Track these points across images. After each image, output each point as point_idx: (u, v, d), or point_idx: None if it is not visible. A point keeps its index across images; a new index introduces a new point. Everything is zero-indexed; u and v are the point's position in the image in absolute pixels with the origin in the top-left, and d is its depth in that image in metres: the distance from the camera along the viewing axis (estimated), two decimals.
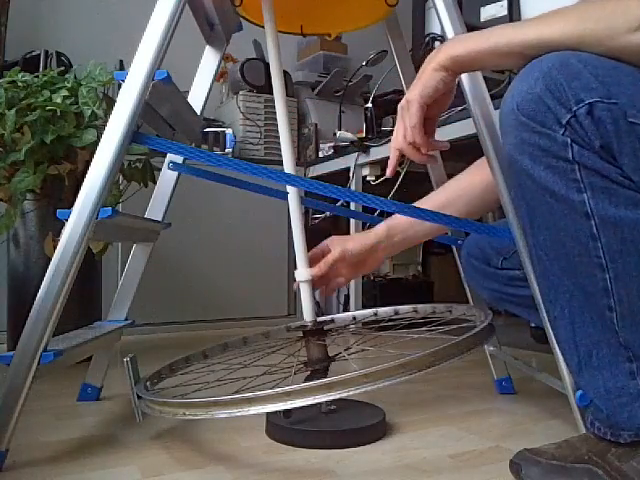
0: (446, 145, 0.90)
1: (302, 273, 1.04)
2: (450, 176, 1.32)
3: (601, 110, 0.65)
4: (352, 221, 2.32)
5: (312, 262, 1.06)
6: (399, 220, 1.12)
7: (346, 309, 2.52)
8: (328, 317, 1.33)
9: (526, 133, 0.69)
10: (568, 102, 0.66)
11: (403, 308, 1.31)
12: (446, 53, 0.78)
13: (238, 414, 0.81)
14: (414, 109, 0.82)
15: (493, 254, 1.10)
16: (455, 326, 1.07)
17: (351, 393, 0.80)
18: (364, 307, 2.30)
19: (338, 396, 0.80)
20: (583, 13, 0.69)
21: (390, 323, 1.29)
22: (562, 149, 0.67)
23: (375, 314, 1.33)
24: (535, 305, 1.06)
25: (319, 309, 2.45)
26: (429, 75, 0.80)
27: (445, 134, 1.60)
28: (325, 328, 1.07)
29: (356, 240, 1.11)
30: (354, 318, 1.36)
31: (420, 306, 1.29)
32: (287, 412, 1.01)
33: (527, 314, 1.11)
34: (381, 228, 1.13)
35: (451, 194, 1.14)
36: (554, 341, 0.86)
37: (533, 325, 1.95)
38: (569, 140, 0.67)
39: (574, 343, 0.74)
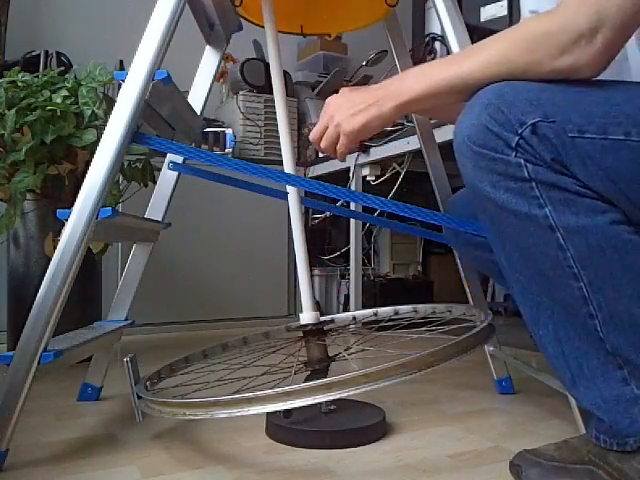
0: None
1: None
2: (450, 176, 1.32)
3: (544, 128, 0.69)
4: (352, 221, 2.32)
5: None
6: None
7: (346, 309, 2.52)
8: (328, 317, 1.33)
9: (482, 161, 0.72)
10: (512, 126, 0.69)
11: (403, 308, 1.31)
12: (392, 103, 0.82)
13: (238, 414, 0.81)
14: (346, 141, 0.88)
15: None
16: (455, 326, 1.07)
17: (350, 393, 0.80)
18: (364, 307, 2.30)
19: (338, 396, 0.80)
20: (510, 47, 0.74)
21: (390, 323, 1.29)
22: (517, 170, 0.70)
23: (375, 314, 1.33)
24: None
25: (319, 309, 2.45)
26: (371, 118, 0.84)
27: (446, 134, 1.60)
28: (325, 328, 1.07)
29: None
30: (354, 318, 1.36)
31: (420, 306, 1.29)
32: (287, 412, 1.01)
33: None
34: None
35: None
36: None
37: None
38: (522, 160, 0.70)
39: (564, 358, 0.74)
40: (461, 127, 0.74)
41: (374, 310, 1.34)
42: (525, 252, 0.73)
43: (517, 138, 0.69)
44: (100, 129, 1.44)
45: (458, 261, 1.29)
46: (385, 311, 1.33)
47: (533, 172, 0.70)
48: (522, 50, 0.72)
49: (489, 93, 0.72)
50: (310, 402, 0.80)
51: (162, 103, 1.05)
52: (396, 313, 1.31)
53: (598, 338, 0.71)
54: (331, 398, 0.80)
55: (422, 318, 1.26)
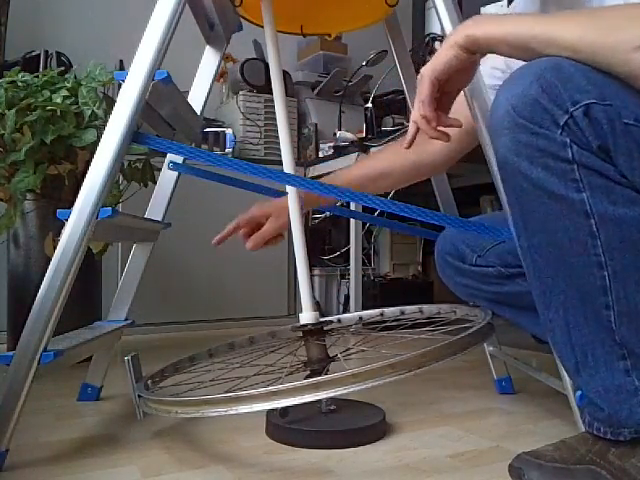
0: (457, 123, 0.87)
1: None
2: (450, 176, 1.33)
3: (597, 111, 0.66)
4: (352, 221, 2.32)
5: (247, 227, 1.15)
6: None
7: (346, 309, 2.52)
8: (335, 317, 1.33)
9: (523, 135, 0.69)
10: (564, 103, 0.67)
11: (409, 308, 1.31)
12: (462, 32, 0.77)
13: (226, 413, 0.82)
14: (424, 83, 0.81)
15: (467, 251, 1.11)
16: (457, 326, 1.07)
17: (338, 393, 0.80)
18: (364, 307, 2.30)
19: (325, 396, 0.80)
20: (599, 22, 0.69)
21: (394, 323, 1.29)
22: (561, 149, 0.68)
23: (381, 314, 1.33)
24: (503, 300, 1.07)
25: (319, 309, 2.45)
26: (443, 52, 0.79)
27: None
28: (325, 328, 1.07)
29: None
30: (361, 318, 1.36)
31: (425, 306, 1.29)
32: (284, 411, 1.01)
33: (498, 309, 1.13)
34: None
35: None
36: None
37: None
38: (568, 140, 0.67)
39: (570, 345, 0.74)
40: (506, 95, 0.71)
41: (380, 310, 1.34)
42: (550, 234, 0.71)
43: (566, 117, 0.67)
44: (100, 129, 1.44)
45: None
46: (391, 311, 1.32)
47: (577, 154, 0.67)
48: (601, 29, 0.68)
49: (543, 64, 0.69)
50: (298, 401, 0.80)
51: (162, 103, 1.05)
52: (402, 313, 1.31)
53: (609, 328, 0.70)
54: (318, 398, 0.80)
55: (427, 318, 1.26)
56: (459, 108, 1.09)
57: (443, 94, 0.84)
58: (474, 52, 0.78)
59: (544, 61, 0.69)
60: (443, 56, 0.79)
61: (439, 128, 0.84)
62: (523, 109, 0.69)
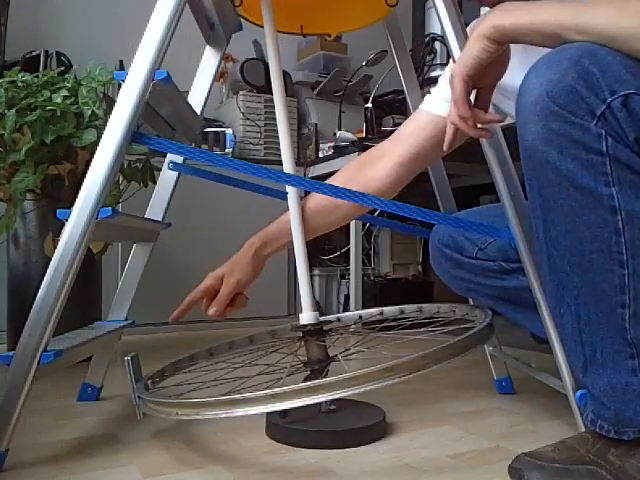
0: (496, 118, 0.84)
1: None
2: (450, 176, 1.32)
3: (637, 102, 0.64)
4: (352, 221, 2.32)
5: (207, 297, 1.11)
6: (273, 229, 1.15)
7: (346, 309, 2.52)
8: (334, 316, 1.33)
9: (556, 123, 0.67)
10: (602, 93, 0.65)
11: (408, 307, 1.31)
12: (489, 22, 0.74)
13: (223, 415, 0.82)
14: (455, 82, 0.78)
15: (467, 244, 1.09)
16: (457, 327, 1.07)
17: (337, 396, 0.80)
18: (364, 307, 2.30)
19: (323, 399, 0.80)
20: (635, 5, 0.65)
21: (393, 323, 1.29)
22: (595, 141, 0.66)
23: (381, 313, 1.33)
24: (502, 296, 1.05)
25: (319, 309, 2.45)
26: (470, 46, 0.76)
27: None
28: (325, 328, 1.07)
29: (242, 266, 1.12)
30: (360, 317, 1.36)
31: (425, 306, 1.29)
32: (284, 411, 1.01)
33: (496, 305, 1.12)
34: (258, 240, 1.16)
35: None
36: (554, 341, 0.86)
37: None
38: (603, 132, 0.65)
39: (580, 341, 0.73)
40: (540, 80, 0.68)
41: (380, 309, 1.34)
42: (571, 228, 0.69)
43: (603, 107, 0.64)
44: (100, 129, 1.44)
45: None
46: (391, 310, 1.33)
47: (612, 147, 0.65)
48: (638, 13, 0.64)
49: (579, 50, 0.66)
50: (295, 404, 0.80)
51: (162, 103, 1.05)
52: (401, 312, 1.31)
53: (622, 327, 0.69)
54: (316, 401, 0.80)
55: (426, 318, 1.26)
56: (415, 131, 1.09)
57: (479, 90, 0.81)
58: (502, 43, 0.75)
59: (578, 47, 0.67)
60: (471, 50, 0.76)
61: (479, 125, 0.81)
62: (558, 96, 0.66)
